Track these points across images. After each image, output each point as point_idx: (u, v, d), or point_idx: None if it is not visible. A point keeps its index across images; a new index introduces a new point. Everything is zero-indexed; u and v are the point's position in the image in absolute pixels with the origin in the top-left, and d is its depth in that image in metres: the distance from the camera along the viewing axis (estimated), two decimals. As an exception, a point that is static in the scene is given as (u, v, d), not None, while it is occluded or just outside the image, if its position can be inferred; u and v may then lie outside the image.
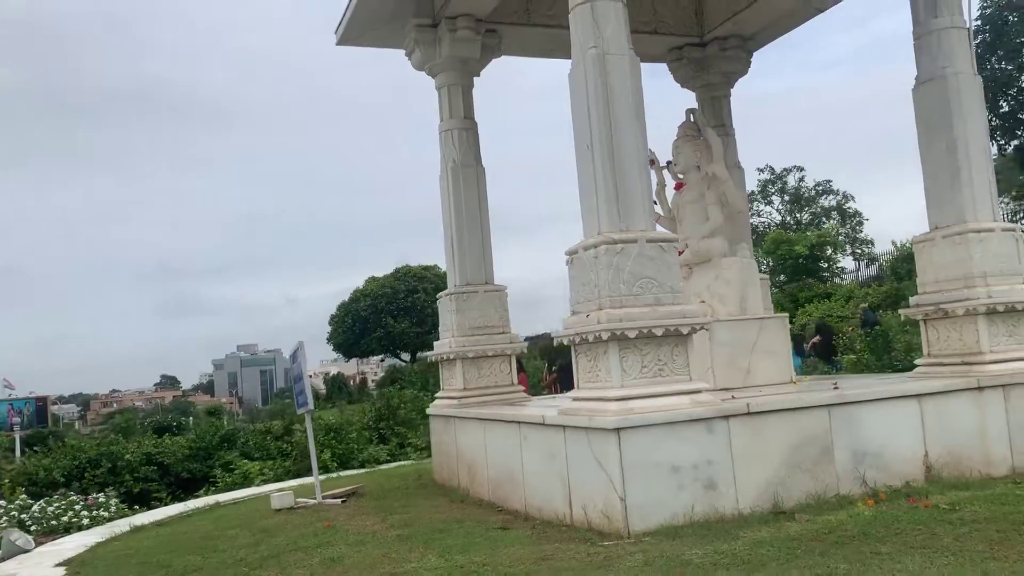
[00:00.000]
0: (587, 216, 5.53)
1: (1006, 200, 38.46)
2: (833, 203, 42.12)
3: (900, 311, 7.06)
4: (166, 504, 9.91)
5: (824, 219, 41.71)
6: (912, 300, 6.69)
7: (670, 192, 7.86)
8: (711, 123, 9.07)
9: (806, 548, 4.28)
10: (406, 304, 40.11)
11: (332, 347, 43.26)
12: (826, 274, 38.03)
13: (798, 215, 42.93)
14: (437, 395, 8.29)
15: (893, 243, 36.15)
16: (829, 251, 38.52)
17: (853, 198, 41.87)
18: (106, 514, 8.37)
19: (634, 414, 5.00)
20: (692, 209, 7.38)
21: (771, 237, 39.46)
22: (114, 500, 9.37)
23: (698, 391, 5.28)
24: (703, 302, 7.04)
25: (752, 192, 45.70)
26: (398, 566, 4.75)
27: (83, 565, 5.95)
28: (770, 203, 43.83)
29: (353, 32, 8.55)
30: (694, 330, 5.35)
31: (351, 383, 48.44)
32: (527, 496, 6.13)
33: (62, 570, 5.89)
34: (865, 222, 40.94)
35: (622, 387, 5.12)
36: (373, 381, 63.50)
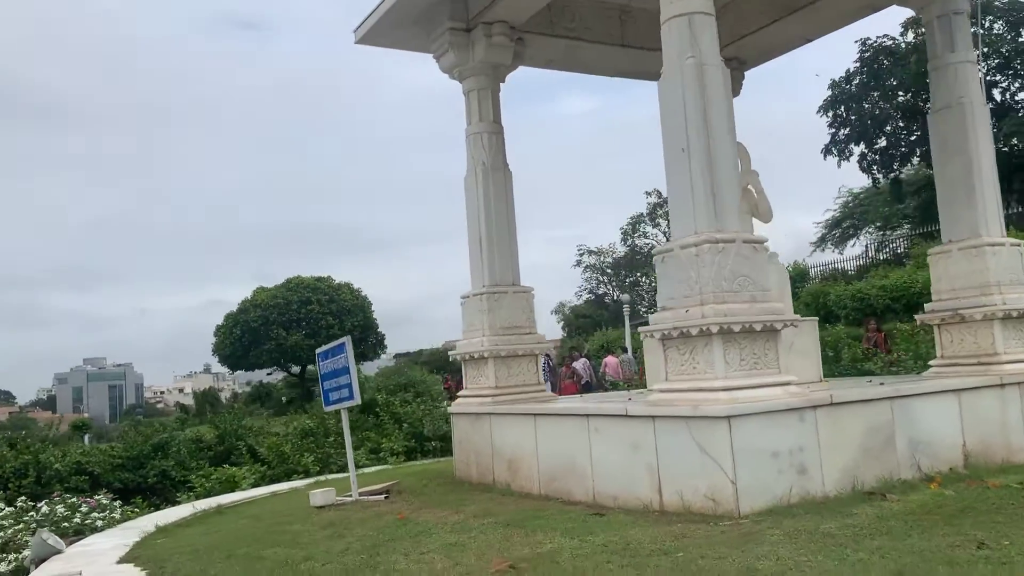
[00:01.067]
0: (680, 217, 5.81)
1: (871, 230, 41.70)
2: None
3: (916, 316, 7.70)
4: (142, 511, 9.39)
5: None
6: (927, 307, 7.34)
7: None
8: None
9: (928, 520, 4.69)
10: (299, 316, 39.18)
11: (218, 359, 41.65)
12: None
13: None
14: (461, 394, 8.33)
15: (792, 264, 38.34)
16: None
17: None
18: (116, 516, 7.93)
19: (740, 403, 5.30)
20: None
21: (660, 258, 41.11)
22: (118, 503, 8.86)
23: (788, 383, 5.65)
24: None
25: (641, 215, 47.53)
26: (531, 548, 4.84)
27: (159, 562, 5.66)
28: (657, 225, 45.65)
29: (378, 32, 8.55)
30: (784, 326, 5.72)
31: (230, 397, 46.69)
32: (596, 487, 6.31)
33: (134, 567, 5.60)
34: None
35: (726, 378, 5.42)
36: (227, 398, 61.47)
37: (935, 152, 7.42)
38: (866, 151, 32.75)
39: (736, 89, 9.86)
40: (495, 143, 8.28)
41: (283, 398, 46.13)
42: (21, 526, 6.99)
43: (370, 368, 42.96)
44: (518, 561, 4.57)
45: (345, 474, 10.16)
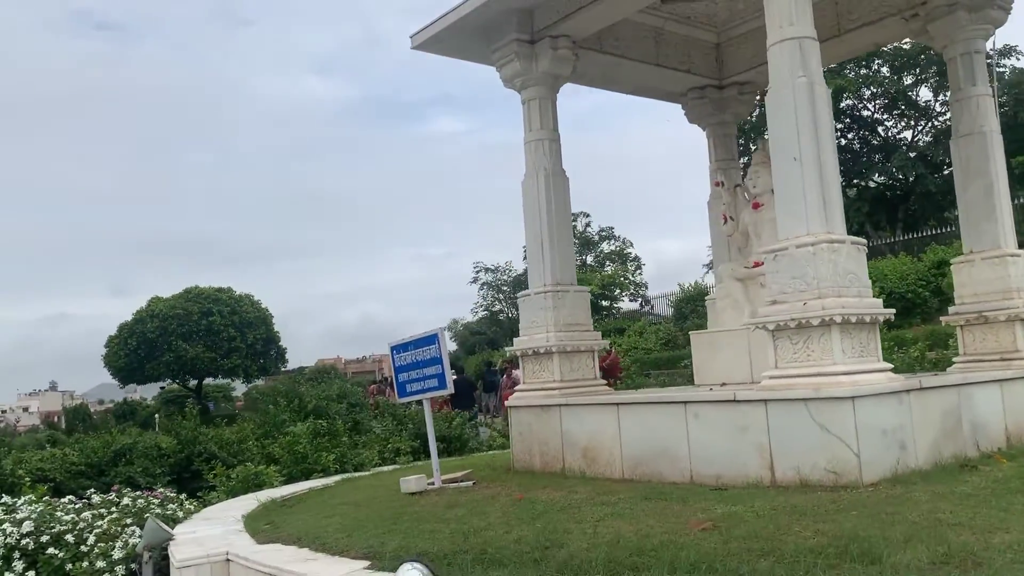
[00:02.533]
0: (791, 219, 6.41)
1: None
2: (615, 248, 45.89)
3: (942, 319, 8.61)
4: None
5: (608, 262, 45.30)
6: (952, 309, 8.26)
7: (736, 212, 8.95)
8: (723, 156, 10.40)
9: (1041, 483, 5.44)
10: (199, 327, 37.83)
11: (110, 371, 39.49)
12: (615, 311, 41.40)
13: (585, 257, 46.23)
14: (519, 388, 8.64)
15: (679, 285, 40.18)
16: (617, 291, 41.95)
17: (632, 244, 45.98)
18: (191, 507, 7.76)
19: (860, 386, 5.93)
20: (770, 227, 8.47)
21: (566, 276, 42.22)
22: (183, 495, 8.60)
23: (885, 370, 6.33)
24: (786, 306, 8.12)
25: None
26: (705, 513, 5.27)
27: (311, 537, 5.71)
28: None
29: (439, 39, 8.83)
30: (884, 319, 6.41)
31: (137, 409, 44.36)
32: (694, 468, 6.78)
33: (282, 545, 5.64)
34: (643, 267, 44.99)
35: (844, 364, 6.04)
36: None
37: (958, 173, 8.37)
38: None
39: (749, 110, 10.70)
40: (554, 149, 8.70)
41: (155, 415, 43.74)
42: (113, 517, 6.79)
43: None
44: (702, 522, 4.99)
45: (368, 471, 10.26)
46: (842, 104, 31.53)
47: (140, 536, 6.52)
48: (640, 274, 44.38)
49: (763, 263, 8.28)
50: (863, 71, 31.31)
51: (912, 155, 30.28)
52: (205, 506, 8.28)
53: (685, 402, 6.96)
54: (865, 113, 32.65)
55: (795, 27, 6.50)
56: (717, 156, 10.43)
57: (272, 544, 5.87)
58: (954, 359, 8.35)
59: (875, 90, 31.25)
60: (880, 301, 6.51)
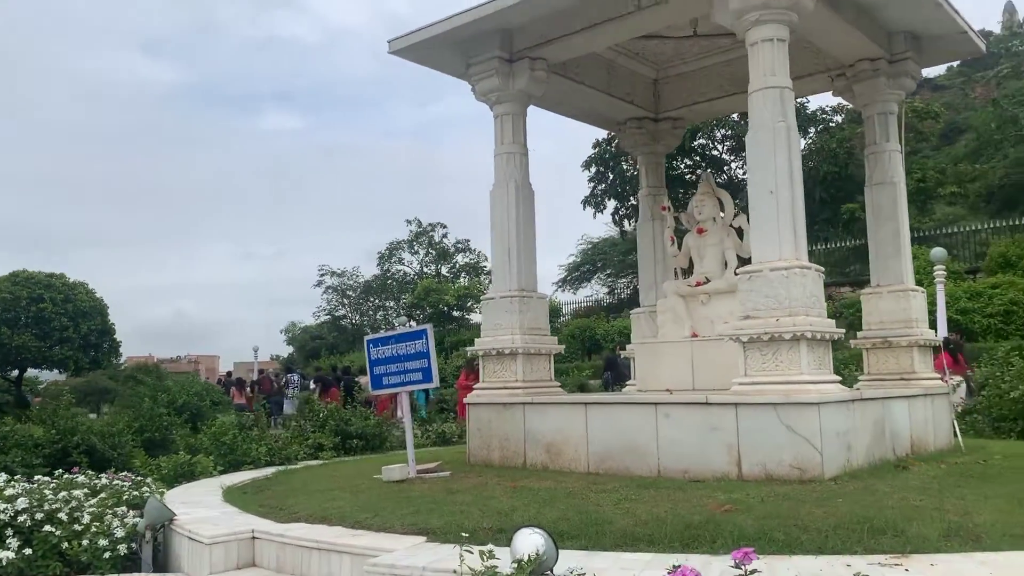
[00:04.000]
0: (765, 244, 7.27)
1: (601, 276, 46.29)
2: (470, 260, 46.64)
3: (851, 342, 9.80)
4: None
5: (463, 274, 45.99)
6: (860, 334, 9.46)
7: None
8: (653, 183, 11.32)
9: (968, 478, 6.52)
10: (28, 314, 34.99)
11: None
12: (467, 323, 42.07)
13: (440, 268, 46.72)
14: (478, 387, 9.05)
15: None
16: (471, 303, 42.64)
17: (487, 258, 46.94)
18: (162, 491, 7.54)
19: (824, 393, 6.84)
20: (712, 251, 9.40)
21: (423, 285, 42.53)
22: (149, 479, 8.23)
23: (835, 381, 7.28)
24: (725, 323, 9.01)
25: (400, 241, 48.47)
26: (708, 500, 5.93)
27: (328, 515, 5.89)
28: (416, 253, 47.07)
29: (417, 48, 9.19)
30: (837, 338, 7.38)
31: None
32: (662, 463, 7.48)
33: (295, 524, 5.80)
34: (496, 281, 45.93)
35: (809, 374, 6.94)
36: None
37: (870, 216, 9.62)
38: (619, 206, 36.84)
39: (675, 143, 11.68)
40: (524, 163, 9.23)
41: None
42: (102, 497, 6.58)
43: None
44: (722, 505, 5.67)
45: (301, 464, 10.30)
46: (695, 143, 33.89)
47: (135, 516, 6.42)
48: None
49: (704, 283, 9.20)
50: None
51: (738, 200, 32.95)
52: (170, 490, 8.11)
53: (656, 403, 7.66)
54: (715, 153, 35.20)
55: (777, 77, 7.39)
56: (649, 183, 11.32)
57: (296, 523, 6.01)
58: (860, 378, 9.56)
59: (726, 131, 33.79)
60: (834, 322, 7.49)
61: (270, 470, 9.81)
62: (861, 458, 7.26)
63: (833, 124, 34.58)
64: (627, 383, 11.18)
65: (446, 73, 9.70)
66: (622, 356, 19.02)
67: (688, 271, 9.90)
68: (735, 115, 34.18)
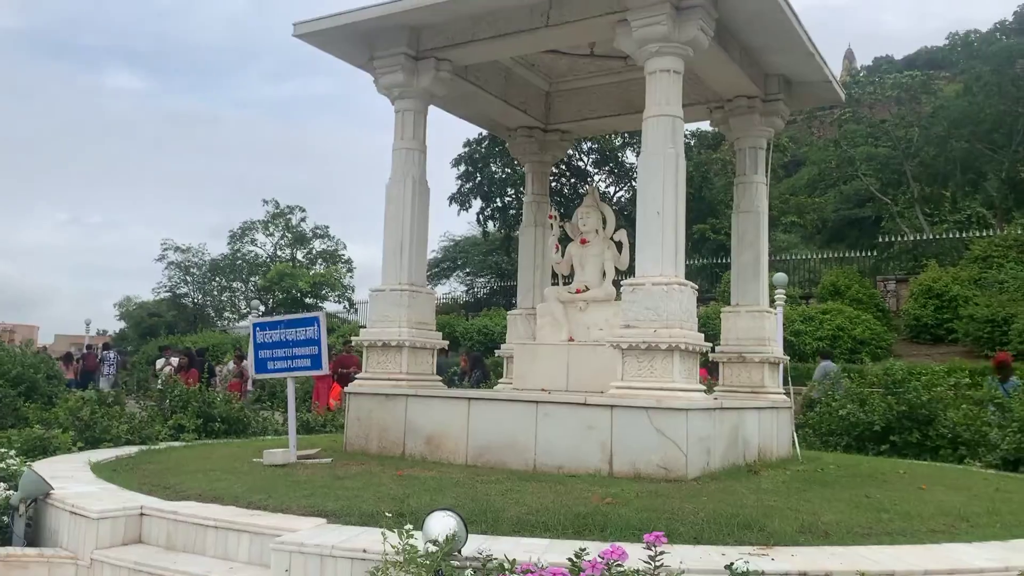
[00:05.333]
0: (650, 260, 7.84)
1: (460, 274, 46.75)
2: (327, 247, 45.97)
3: (710, 356, 10.57)
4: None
5: (320, 261, 45.25)
6: (718, 349, 10.26)
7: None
8: (538, 191, 11.85)
9: (812, 484, 7.31)
10: None
11: None
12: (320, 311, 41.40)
13: (295, 253, 45.76)
14: (361, 376, 9.19)
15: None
16: (326, 291, 42.07)
17: (346, 246, 46.42)
18: (17, 461, 7.18)
19: (692, 401, 7.48)
20: (593, 261, 9.95)
21: (276, 269, 41.54)
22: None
23: (700, 390, 7.96)
24: (601, 330, 9.59)
25: (255, 222, 47.07)
26: (586, 494, 6.40)
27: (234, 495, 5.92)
28: (271, 235, 45.89)
29: (323, 35, 9.22)
30: (705, 351, 8.06)
31: None
32: (539, 458, 7.91)
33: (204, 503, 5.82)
34: (354, 269, 45.55)
35: (680, 382, 7.56)
36: None
37: (735, 241, 10.46)
38: (485, 206, 37.43)
39: (562, 154, 12.22)
40: (422, 160, 9.46)
41: None
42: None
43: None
44: (603, 498, 6.14)
45: (162, 445, 10.10)
46: (562, 152, 34.97)
47: (6, 489, 6.20)
48: (351, 277, 44.89)
49: (584, 290, 9.76)
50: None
51: (614, 208, 34.37)
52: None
53: (538, 402, 8.09)
54: (580, 164, 36.42)
55: (671, 106, 8.00)
56: (534, 190, 11.80)
57: (188, 501, 6.01)
58: (716, 388, 10.38)
59: (593, 144, 35.04)
60: (703, 336, 8.17)
61: (132, 449, 9.56)
62: (718, 462, 7.97)
63: (693, 148, 36.55)
64: (499, 381, 11.59)
65: (348, 62, 9.77)
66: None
67: (568, 279, 10.42)
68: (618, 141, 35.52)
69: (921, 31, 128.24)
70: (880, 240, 29.59)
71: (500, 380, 11.59)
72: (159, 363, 23.33)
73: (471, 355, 18.13)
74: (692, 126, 35.16)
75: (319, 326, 8.05)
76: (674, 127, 8.00)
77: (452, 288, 45.97)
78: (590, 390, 8.38)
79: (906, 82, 35.22)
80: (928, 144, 32.39)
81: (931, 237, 29.18)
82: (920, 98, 35.03)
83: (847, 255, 29.61)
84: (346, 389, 9.32)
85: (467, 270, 46.01)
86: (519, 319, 11.38)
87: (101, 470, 7.67)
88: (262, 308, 41.71)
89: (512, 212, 35.38)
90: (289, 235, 45.66)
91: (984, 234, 26.38)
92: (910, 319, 23.41)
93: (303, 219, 46.06)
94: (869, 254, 29.04)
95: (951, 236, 28.09)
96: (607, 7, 8.23)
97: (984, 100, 30.50)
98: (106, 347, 30.95)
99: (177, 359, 22.12)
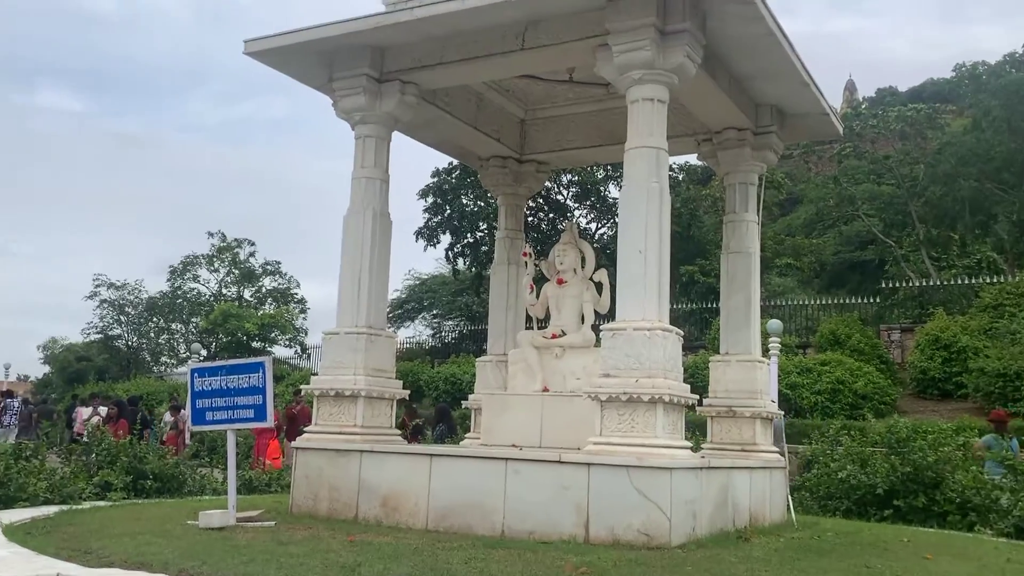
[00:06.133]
0: (632, 303, 7.90)
1: (426, 316, 46.68)
2: (279, 285, 45.76)
3: (698, 409, 10.61)
4: None
5: (269, 300, 45.01)
6: (706, 401, 10.31)
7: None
8: (511, 226, 11.92)
9: (808, 554, 7.31)
10: None
11: None
12: (268, 355, 41.10)
13: (243, 291, 45.50)
14: (310, 430, 9.11)
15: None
16: (275, 333, 41.78)
17: (299, 284, 46.20)
18: None
19: (677, 459, 7.50)
20: (570, 303, 10.00)
21: (220, 309, 41.24)
22: None
23: (686, 447, 7.97)
24: (578, 379, 9.60)
25: (198, 256, 46.75)
26: (558, 563, 6.36)
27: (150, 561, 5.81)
28: (216, 272, 45.61)
29: (276, 53, 9.32)
30: (692, 403, 8.09)
31: None
32: (507, 523, 7.85)
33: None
34: (308, 310, 45.31)
35: (663, 438, 7.58)
36: None
37: (724, 283, 10.57)
38: (454, 242, 37.52)
39: (538, 187, 12.35)
40: (384, 190, 9.50)
41: None
42: None
43: None
44: (577, 568, 6.11)
45: (88, 504, 9.91)
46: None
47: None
48: (304, 319, 44.64)
49: (560, 335, 9.81)
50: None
51: (596, 246, 34.64)
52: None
53: (507, 458, 8.05)
54: (559, 198, 36.71)
55: (654, 138, 8.13)
56: (507, 225, 11.87)
57: (110, 569, 5.90)
58: (703, 445, 10.40)
59: (573, 177, 35.38)
60: (689, 387, 8.21)
61: (51, 509, 9.36)
62: (705, 527, 7.95)
63: (682, 183, 37.01)
64: (466, 436, 11.54)
65: (304, 83, 9.86)
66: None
67: (544, 322, 10.45)
68: (601, 174, 35.90)
69: (926, 60, 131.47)
70: (883, 286, 29.97)
71: (467, 434, 11.54)
72: (85, 412, 23.02)
73: (438, 408, 18.04)
74: (681, 159, 35.77)
75: (265, 372, 7.99)
76: (658, 160, 8.11)
77: (417, 331, 45.93)
78: (565, 446, 8.38)
79: (911, 116, 36.05)
80: (934, 182, 33.01)
81: (938, 283, 29.61)
82: (926, 133, 35.86)
83: (848, 301, 29.98)
84: (293, 444, 9.24)
85: (434, 312, 45.99)
86: (489, 366, 11.36)
87: (14, 532, 7.52)
88: (204, 352, 41.44)
89: (484, 249, 35.43)
90: (236, 271, 45.45)
91: (995, 280, 26.81)
92: (916, 372, 23.65)
93: (252, 253, 45.93)
94: (871, 301, 29.41)
95: (960, 282, 28.52)
96: (587, 30, 8.38)
97: (993, 136, 31.20)
98: (8, 394, 30.32)
99: (106, 408, 21.91)
